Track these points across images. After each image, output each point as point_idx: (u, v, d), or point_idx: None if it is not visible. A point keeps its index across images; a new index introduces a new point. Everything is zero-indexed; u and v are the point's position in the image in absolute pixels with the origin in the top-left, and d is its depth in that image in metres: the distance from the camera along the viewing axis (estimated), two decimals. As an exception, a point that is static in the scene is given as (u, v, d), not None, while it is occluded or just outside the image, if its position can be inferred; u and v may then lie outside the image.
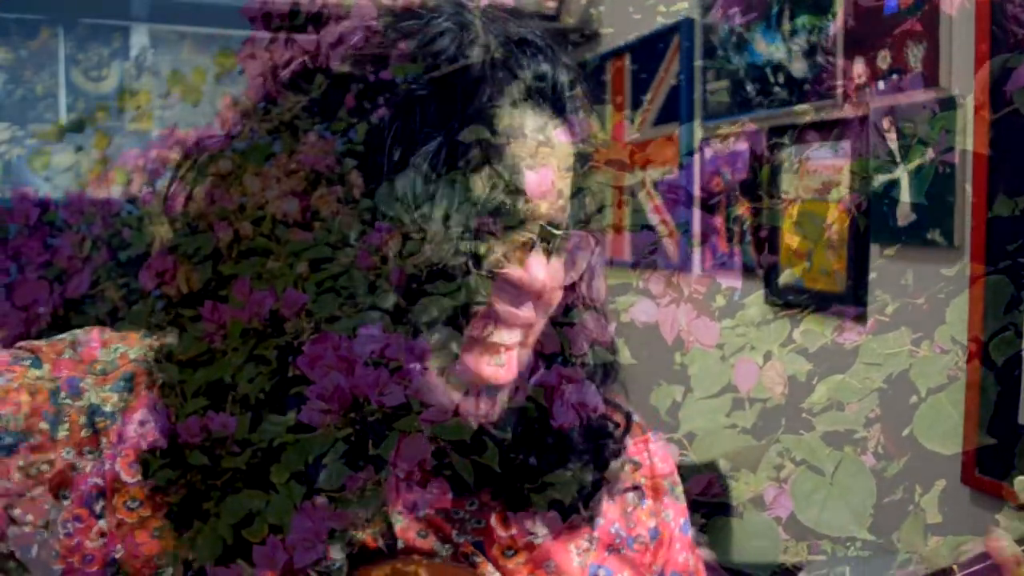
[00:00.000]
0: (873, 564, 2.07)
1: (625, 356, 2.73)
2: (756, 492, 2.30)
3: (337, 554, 1.01)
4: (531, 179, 1.03)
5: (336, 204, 1.09)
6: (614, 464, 1.22)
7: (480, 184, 1.00)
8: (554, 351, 1.15)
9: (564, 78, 1.08)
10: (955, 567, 1.09)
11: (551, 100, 1.07)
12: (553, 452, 1.16)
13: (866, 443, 2.08)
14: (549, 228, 1.06)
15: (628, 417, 1.26)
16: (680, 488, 1.32)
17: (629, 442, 1.26)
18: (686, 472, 1.35)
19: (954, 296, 2.05)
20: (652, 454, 1.30)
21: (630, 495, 1.24)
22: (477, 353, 1.06)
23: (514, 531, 1.13)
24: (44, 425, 1.00)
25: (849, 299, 2.33)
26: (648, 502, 1.27)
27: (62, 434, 1.01)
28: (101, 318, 0.98)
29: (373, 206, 1.13)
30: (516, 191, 1.02)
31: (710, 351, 2.42)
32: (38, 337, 0.97)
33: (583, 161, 1.13)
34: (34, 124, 2.90)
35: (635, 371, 2.78)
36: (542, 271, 1.05)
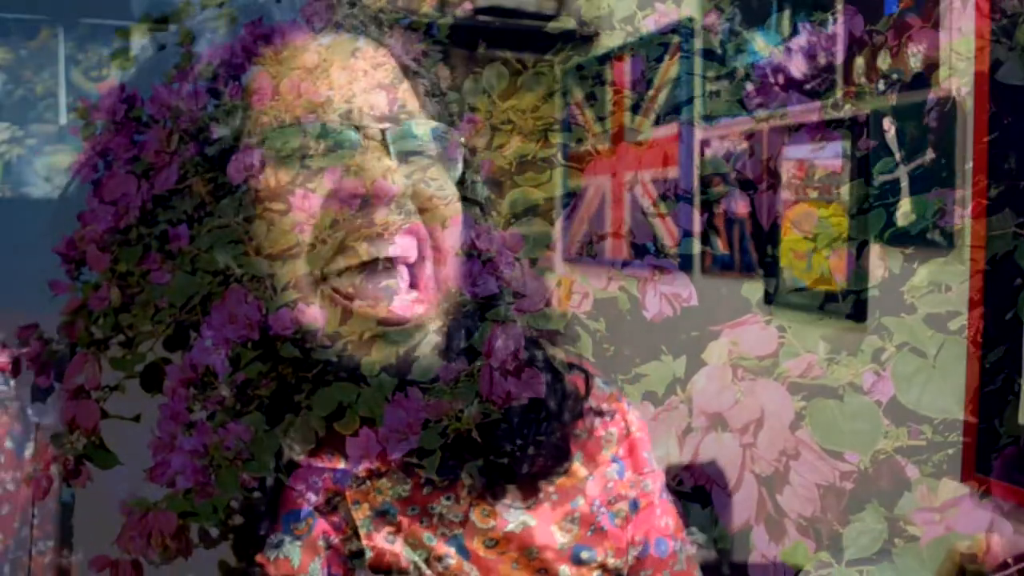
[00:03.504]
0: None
1: (718, 247, 2.73)
2: (856, 376, 2.28)
3: None
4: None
5: (422, 97, 1.08)
6: (581, 424, 1.19)
7: None
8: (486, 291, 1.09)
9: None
10: (1010, 560, 1.05)
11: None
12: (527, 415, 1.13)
13: (965, 331, 2.06)
14: (375, 126, 1.03)
15: (587, 378, 1.23)
16: (652, 450, 1.29)
17: (595, 403, 1.23)
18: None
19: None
20: (629, 423, 1.25)
21: (608, 470, 1.21)
22: (362, 284, 1.01)
23: (494, 522, 1.09)
24: (9, 444, 1.00)
25: (849, 299, 2.30)
26: (628, 473, 1.22)
27: (28, 452, 1.01)
28: (189, 212, 0.98)
29: (461, 98, 1.12)
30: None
31: (805, 242, 2.40)
32: (127, 231, 0.98)
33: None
34: (34, 124, 2.93)
35: (727, 262, 2.78)
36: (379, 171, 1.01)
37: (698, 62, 2.96)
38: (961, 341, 2.06)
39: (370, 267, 1.00)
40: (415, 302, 1.02)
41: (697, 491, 2.73)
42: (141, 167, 1.00)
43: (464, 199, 1.06)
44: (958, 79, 2.03)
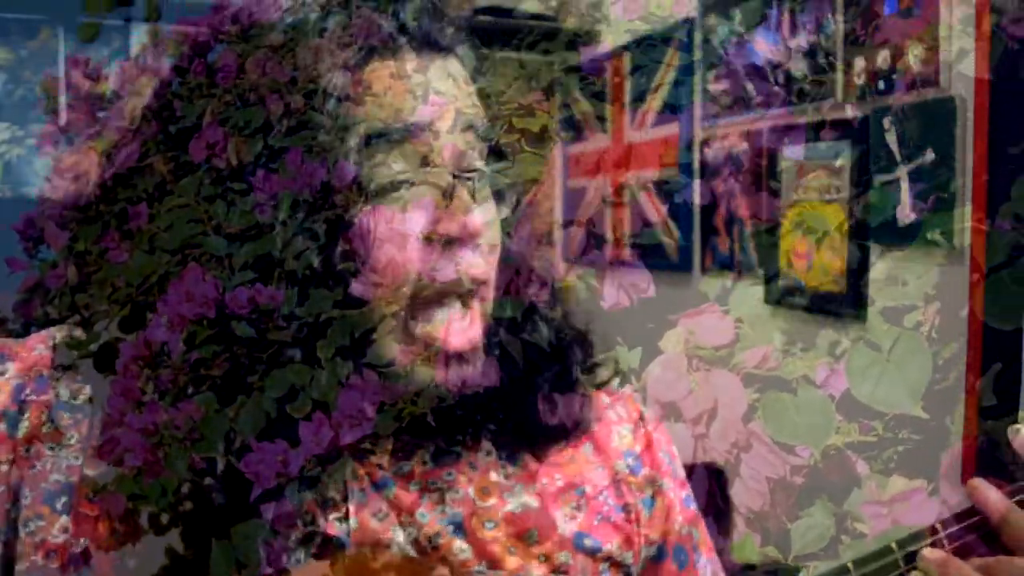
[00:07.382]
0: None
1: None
2: (810, 369, 2.30)
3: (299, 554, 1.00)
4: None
5: (388, 79, 1.08)
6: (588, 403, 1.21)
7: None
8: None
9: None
10: (938, 525, 1.04)
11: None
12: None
13: (920, 327, 2.08)
14: (467, 174, 1.06)
15: (616, 367, 1.26)
16: (679, 461, 1.29)
17: (607, 398, 1.26)
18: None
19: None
20: (646, 421, 1.27)
21: (618, 463, 1.21)
22: (430, 315, 1.05)
23: (494, 500, 1.10)
24: (2, 426, 1.00)
25: (849, 299, 2.32)
26: (644, 470, 1.23)
27: (22, 432, 1.01)
28: (150, 191, 0.98)
29: (427, 82, 1.12)
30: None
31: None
32: (86, 209, 0.98)
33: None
34: (34, 124, 2.91)
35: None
36: (474, 212, 1.05)
37: (698, 61, 2.97)
38: (916, 336, 2.08)
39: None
40: (470, 330, 1.06)
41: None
42: (103, 144, 1.00)
43: (426, 183, 1.07)
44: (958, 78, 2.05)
